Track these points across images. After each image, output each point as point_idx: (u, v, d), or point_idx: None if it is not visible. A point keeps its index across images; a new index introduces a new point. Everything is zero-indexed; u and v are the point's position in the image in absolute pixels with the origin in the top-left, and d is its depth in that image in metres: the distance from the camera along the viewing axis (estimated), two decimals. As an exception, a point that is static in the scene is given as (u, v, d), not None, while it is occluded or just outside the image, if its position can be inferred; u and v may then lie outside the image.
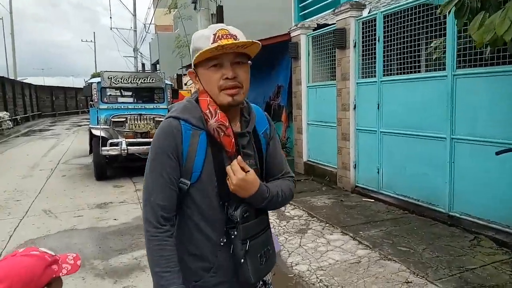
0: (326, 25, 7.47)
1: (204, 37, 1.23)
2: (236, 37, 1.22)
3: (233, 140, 1.26)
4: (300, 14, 10.92)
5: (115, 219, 5.22)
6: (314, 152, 7.29)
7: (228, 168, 1.23)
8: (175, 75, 17.89)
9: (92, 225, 4.99)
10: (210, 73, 1.24)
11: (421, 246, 3.86)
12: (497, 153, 2.76)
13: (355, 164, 6.00)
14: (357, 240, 4.09)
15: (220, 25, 1.26)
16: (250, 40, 1.20)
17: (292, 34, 7.51)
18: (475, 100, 4.01)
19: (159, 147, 1.24)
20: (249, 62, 1.30)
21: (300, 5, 11.00)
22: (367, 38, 5.61)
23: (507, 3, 2.50)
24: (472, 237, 4.02)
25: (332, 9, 6.51)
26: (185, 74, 16.78)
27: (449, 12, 3.06)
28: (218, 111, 1.24)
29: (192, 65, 1.28)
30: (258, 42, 1.22)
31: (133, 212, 5.51)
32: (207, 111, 1.24)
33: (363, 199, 5.60)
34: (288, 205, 5.47)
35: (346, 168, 6.14)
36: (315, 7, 10.24)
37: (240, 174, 1.21)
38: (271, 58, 8.41)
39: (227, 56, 1.21)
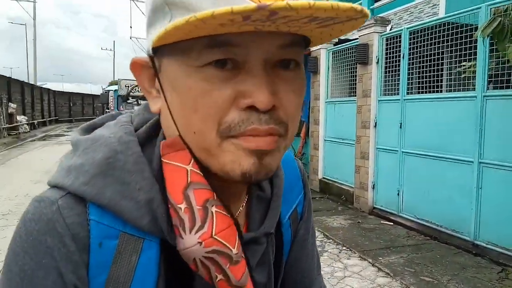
0: (347, 40, 7.35)
1: None
2: None
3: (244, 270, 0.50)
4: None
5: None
6: (330, 170, 7.09)
7: None
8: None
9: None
10: (202, 82, 0.43)
11: (446, 277, 3.62)
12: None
13: (374, 185, 5.78)
14: (376, 267, 3.86)
15: None
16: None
17: (312, 49, 7.39)
18: (506, 123, 3.79)
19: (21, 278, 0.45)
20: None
21: None
22: (390, 55, 5.46)
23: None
24: (499, 269, 3.76)
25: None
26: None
27: (488, 35, 2.91)
28: (212, 207, 0.46)
29: (151, 46, 0.46)
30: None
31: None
32: (181, 203, 0.46)
33: (382, 222, 5.36)
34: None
35: (364, 188, 5.92)
36: None
37: None
38: None
39: (263, 41, 0.42)
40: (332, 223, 5.32)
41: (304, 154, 7.95)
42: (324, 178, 7.27)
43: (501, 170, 3.85)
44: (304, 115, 8.07)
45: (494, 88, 3.92)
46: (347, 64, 6.48)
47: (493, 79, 3.92)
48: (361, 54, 5.75)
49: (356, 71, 6.17)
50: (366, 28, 5.74)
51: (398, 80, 5.27)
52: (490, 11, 3.86)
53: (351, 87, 6.42)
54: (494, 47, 3.86)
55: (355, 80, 6.20)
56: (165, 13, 0.43)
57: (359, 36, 5.96)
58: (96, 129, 0.54)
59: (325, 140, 7.22)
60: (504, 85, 3.79)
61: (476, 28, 4.00)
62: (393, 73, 5.45)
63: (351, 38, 7.83)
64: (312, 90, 7.51)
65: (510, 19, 2.92)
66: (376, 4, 8.88)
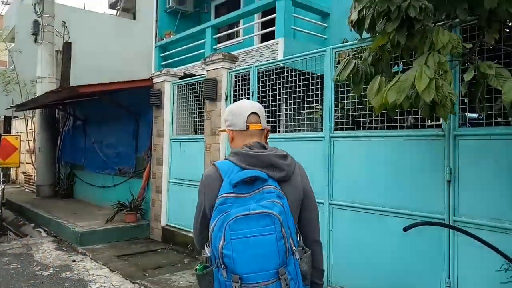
0: (193, 75, 6.98)
1: None
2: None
3: None
4: (162, 63, 10.34)
5: None
6: (175, 216, 6.30)
7: None
8: (2, 117, 14.65)
9: None
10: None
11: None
12: (405, 229, 2.41)
13: (224, 230, 5.26)
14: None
15: None
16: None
17: (155, 80, 6.71)
18: (352, 163, 3.84)
19: None
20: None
21: (161, 55, 10.45)
22: (238, 92, 5.24)
23: (415, 61, 2.30)
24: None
25: (202, 59, 6.02)
26: (15, 117, 13.88)
27: (346, 79, 2.81)
28: None
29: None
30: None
31: None
32: None
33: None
34: (138, 286, 4.30)
35: (213, 235, 5.34)
36: (178, 58, 9.82)
37: None
38: (143, 106, 7.40)
39: None
40: (178, 281, 4.50)
41: (145, 199, 6.96)
42: (167, 225, 6.42)
43: (349, 211, 3.83)
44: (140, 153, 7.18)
45: (340, 129, 3.97)
46: (195, 100, 6.02)
47: (339, 120, 3.98)
48: (210, 89, 5.37)
49: (204, 107, 5.75)
50: (215, 62, 5.43)
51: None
52: (335, 54, 3.98)
53: (198, 124, 5.94)
54: (339, 89, 3.96)
55: (203, 117, 5.76)
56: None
57: (207, 71, 5.61)
58: None
59: (169, 182, 6.45)
60: (350, 126, 3.87)
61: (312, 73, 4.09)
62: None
63: (197, 74, 7.52)
64: (155, 126, 6.74)
65: (363, 61, 2.90)
66: (220, 45, 8.90)
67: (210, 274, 1.44)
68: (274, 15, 7.35)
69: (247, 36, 8.73)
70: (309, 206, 1.62)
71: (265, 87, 4.81)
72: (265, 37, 7.96)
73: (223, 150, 5.30)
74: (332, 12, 7.97)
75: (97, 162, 8.87)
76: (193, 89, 6.04)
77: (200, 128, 5.87)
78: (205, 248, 1.53)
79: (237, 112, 1.66)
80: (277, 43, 7.21)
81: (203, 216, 1.56)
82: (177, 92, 6.47)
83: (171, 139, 6.49)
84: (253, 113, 1.65)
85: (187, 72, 8.00)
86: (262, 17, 8.39)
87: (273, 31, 7.33)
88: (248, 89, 5.12)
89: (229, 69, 5.39)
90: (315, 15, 7.95)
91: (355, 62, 2.88)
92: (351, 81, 2.97)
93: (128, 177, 7.66)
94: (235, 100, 5.26)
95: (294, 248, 1.44)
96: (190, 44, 9.47)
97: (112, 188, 8.17)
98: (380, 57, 2.95)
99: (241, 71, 5.26)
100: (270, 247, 1.38)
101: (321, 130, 4.13)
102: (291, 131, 4.58)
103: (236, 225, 1.38)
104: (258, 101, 4.90)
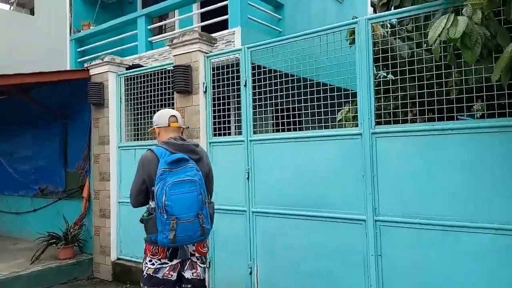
0: (139, 65, 5.60)
1: None
2: None
3: None
4: (79, 60, 8.55)
5: None
6: (131, 246, 4.84)
7: None
8: None
9: None
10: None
11: None
12: None
13: (209, 262, 4.04)
14: None
15: None
16: None
17: (94, 71, 5.16)
18: (403, 166, 2.98)
19: None
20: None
21: (78, 49, 8.63)
22: (218, 83, 4.10)
23: None
24: None
25: (168, 41, 4.66)
26: None
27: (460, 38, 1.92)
28: None
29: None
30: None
31: None
32: None
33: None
34: None
35: (194, 268, 4.08)
36: (100, 53, 7.85)
37: None
38: (73, 106, 5.73)
39: None
40: None
41: (84, 226, 5.32)
42: (120, 259, 4.92)
43: (404, 229, 2.96)
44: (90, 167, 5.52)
45: (385, 123, 3.09)
46: (153, 96, 4.67)
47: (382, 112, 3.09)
48: (182, 79, 4.09)
49: (168, 104, 4.45)
50: (187, 45, 4.18)
51: (239, 115, 3.92)
52: (370, 27, 3.09)
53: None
54: (380, 74, 3.08)
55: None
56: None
57: (175, 56, 4.32)
58: None
59: (119, 202, 4.96)
60: (400, 119, 3.01)
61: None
62: (228, 105, 4.08)
63: (148, 63, 6.13)
64: (95, 130, 5.19)
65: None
66: (155, 37, 7.35)
67: (153, 218, 2.36)
68: (222, 3, 6.26)
69: (185, 28, 7.34)
70: (211, 176, 2.67)
71: (262, 74, 3.76)
72: (208, 29, 6.69)
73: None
74: (286, 3, 7.13)
75: (5, 181, 6.82)
76: (148, 82, 4.69)
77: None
78: (150, 202, 2.49)
79: (162, 115, 2.65)
80: (233, 33, 6.13)
81: (142, 183, 2.45)
82: (125, 86, 5.04)
83: (120, 147, 5.01)
84: (172, 115, 2.64)
85: (140, 61, 6.53)
86: (201, 7, 7.19)
87: (219, 22, 6.21)
88: (229, 79, 3.99)
89: (207, 53, 4.20)
90: (268, 5, 7.03)
91: (465, 18, 2.01)
92: (457, 44, 2.08)
93: (56, 198, 5.89)
94: (216, 93, 4.10)
95: (206, 200, 2.41)
96: (115, 37, 7.86)
97: (31, 214, 6.26)
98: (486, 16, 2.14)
99: (224, 55, 4.10)
100: (193, 199, 2.32)
101: (356, 125, 3.21)
102: (307, 129, 3.57)
103: (173, 187, 2.28)
104: (253, 93, 3.82)
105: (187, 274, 2.46)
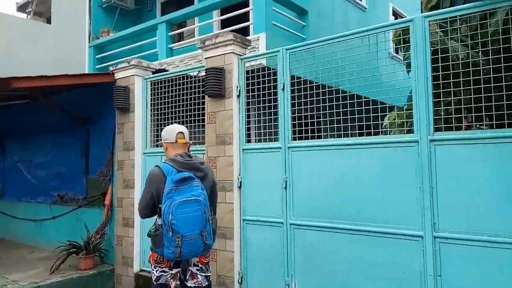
0: (165, 70, 5.44)
1: None
2: None
3: None
4: (97, 67, 8.44)
5: None
6: (155, 257, 4.60)
7: None
8: None
9: None
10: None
11: None
12: None
13: (242, 277, 3.78)
14: None
15: None
16: None
17: (119, 75, 5.00)
18: (472, 178, 2.71)
19: None
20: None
21: (97, 56, 8.53)
22: (251, 87, 3.88)
23: None
24: None
25: (199, 42, 4.47)
26: None
27: None
28: None
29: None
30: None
31: None
32: None
33: None
34: None
35: (225, 284, 3.82)
36: (119, 60, 7.65)
37: None
38: (96, 110, 5.58)
39: None
40: None
41: (105, 235, 5.10)
42: (143, 271, 4.69)
43: (469, 247, 2.67)
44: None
45: (445, 129, 2.83)
46: (180, 100, 4.47)
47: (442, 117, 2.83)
48: (214, 82, 3.89)
49: (199, 108, 4.25)
50: (220, 47, 3.99)
51: (276, 120, 3.69)
52: (428, 25, 2.85)
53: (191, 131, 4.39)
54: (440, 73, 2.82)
55: (199, 121, 4.25)
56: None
57: (207, 59, 4.13)
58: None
59: (143, 211, 4.74)
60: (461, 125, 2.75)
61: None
62: (262, 109, 3.86)
63: (169, 68, 5.98)
64: (119, 136, 5.00)
65: None
66: (176, 44, 7.17)
67: (160, 234, 2.48)
68: (247, 8, 6.10)
69: (208, 35, 7.09)
70: (215, 191, 2.81)
71: (300, 78, 3.54)
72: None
73: (237, 164, 3.85)
74: (310, 10, 6.93)
75: (23, 187, 6.67)
76: (174, 87, 4.50)
77: (195, 137, 4.34)
78: (157, 218, 2.59)
79: (170, 131, 2.72)
80: (258, 39, 5.94)
81: (150, 198, 2.56)
82: (151, 91, 4.86)
83: (145, 153, 4.81)
84: (180, 132, 2.70)
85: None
86: (221, 14, 7.00)
87: (240, 29, 6.01)
88: (264, 82, 3.78)
89: (241, 55, 4.00)
90: (292, 12, 6.84)
91: None
92: None
93: (75, 206, 5.69)
94: (248, 97, 3.89)
95: (209, 217, 2.53)
96: (134, 44, 7.73)
97: (49, 222, 6.07)
98: None
99: (260, 57, 3.89)
100: (198, 218, 2.44)
101: (409, 131, 2.95)
102: (351, 135, 3.31)
103: (179, 207, 2.40)
104: (291, 97, 3.59)
105: (190, 283, 2.63)
